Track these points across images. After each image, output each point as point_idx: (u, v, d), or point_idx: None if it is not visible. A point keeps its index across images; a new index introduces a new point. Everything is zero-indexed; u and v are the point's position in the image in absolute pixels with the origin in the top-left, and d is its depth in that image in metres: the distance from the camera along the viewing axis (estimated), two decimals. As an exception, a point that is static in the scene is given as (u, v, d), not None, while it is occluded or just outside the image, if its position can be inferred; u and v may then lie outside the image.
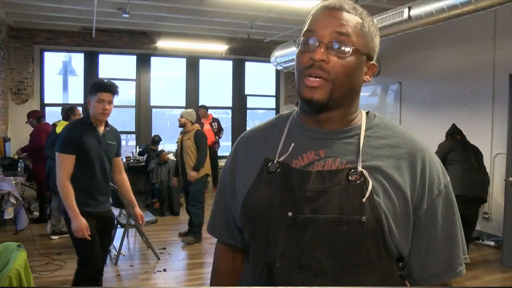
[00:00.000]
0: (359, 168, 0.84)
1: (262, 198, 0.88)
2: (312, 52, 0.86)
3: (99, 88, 2.64)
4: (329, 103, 0.86)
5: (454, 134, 4.43)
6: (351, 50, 0.85)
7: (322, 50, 0.85)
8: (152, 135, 7.22)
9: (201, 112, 7.57)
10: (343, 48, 0.85)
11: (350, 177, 0.84)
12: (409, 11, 4.30)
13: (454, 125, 4.50)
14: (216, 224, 1.06)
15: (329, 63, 0.85)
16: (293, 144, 0.91)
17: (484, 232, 4.95)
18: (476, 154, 4.27)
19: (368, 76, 0.91)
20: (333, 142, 0.89)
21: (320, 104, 0.86)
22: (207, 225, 1.09)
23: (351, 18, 0.86)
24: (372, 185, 0.83)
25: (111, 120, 2.87)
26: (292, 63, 6.93)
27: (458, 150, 4.23)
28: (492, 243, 4.81)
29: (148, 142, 7.29)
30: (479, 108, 5.10)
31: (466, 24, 4.77)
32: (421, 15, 4.19)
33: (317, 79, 0.85)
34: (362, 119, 0.92)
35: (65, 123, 4.84)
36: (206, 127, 7.62)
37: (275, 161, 0.90)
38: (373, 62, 0.91)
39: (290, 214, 0.84)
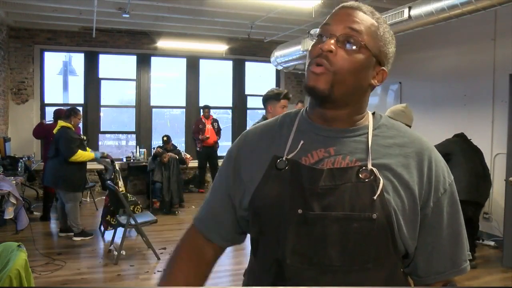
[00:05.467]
0: (369, 166, 0.85)
1: (271, 195, 0.89)
2: (323, 43, 0.87)
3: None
4: (330, 96, 0.87)
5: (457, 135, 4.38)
6: (360, 46, 0.86)
7: (332, 41, 0.86)
8: (152, 135, 7.22)
9: (206, 112, 7.63)
10: (352, 43, 0.86)
11: (360, 175, 0.85)
12: (409, 11, 4.30)
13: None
14: (205, 218, 1.03)
15: (336, 55, 0.86)
16: (302, 141, 0.92)
17: (484, 232, 4.94)
18: (480, 157, 4.27)
19: (376, 81, 0.92)
20: (343, 140, 0.90)
21: (321, 93, 0.87)
22: (195, 217, 1.05)
23: (367, 18, 0.89)
24: (382, 183, 0.84)
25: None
26: (292, 63, 6.93)
27: (463, 153, 4.16)
28: (492, 243, 4.81)
29: (148, 143, 7.29)
30: (479, 108, 5.09)
31: (466, 24, 4.76)
32: (421, 15, 4.19)
33: (320, 66, 0.87)
34: (369, 119, 0.94)
35: (63, 123, 4.85)
36: (208, 127, 7.65)
37: (284, 158, 0.91)
38: (384, 68, 0.92)
39: (300, 211, 0.85)
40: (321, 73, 0.86)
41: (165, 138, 6.74)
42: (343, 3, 0.93)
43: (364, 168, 0.85)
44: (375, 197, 0.82)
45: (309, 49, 0.92)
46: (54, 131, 4.90)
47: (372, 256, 0.84)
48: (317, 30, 0.91)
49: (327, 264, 0.83)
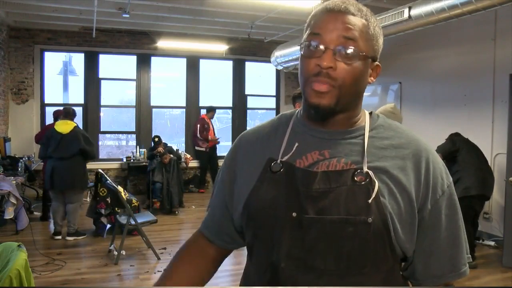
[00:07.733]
0: (365, 169, 0.83)
1: (265, 198, 0.87)
2: (318, 58, 0.83)
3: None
4: (336, 109, 0.85)
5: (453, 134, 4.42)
6: (359, 56, 0.83)
7: (329, 56, 0.82)
8: (152, 135, 7.18)
9: (212, 114, 7.71)
10: (350, 54, 0.83)
11: (355, 178, 0.83)
12: (409, 11, 4.30)
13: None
14: (208, 220, 1.05)
15: (336, 69, 0.83)
16: (296, 144, 0.90)
17: (484, 232, 4.94)
18: (481, 152, 4.33)
19: (372, 78, 0.90)
20: (338, 143, 0.88)
21: (327, 109, 0.85)
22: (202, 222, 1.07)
23: (357, 21, 0.84)
24: (378, 186, 0.82)
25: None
26: (292, 63, 6.93)
27: (467, 149, 4.24)
28: (492, 243, 4.81)
29: (148, 143, 7.27)
30: (479, 108, 5.10)
31: (466, 24, 4.77)
32: (421, 15, 4.19)
33: (324, 84, 0.84)
34: (365, 120, 0.91)
35: (71, 122, 4.85)
36: (211, 127, 7.67)
37: (278, 161, 0.89)
38: (377, 62, 0.90)
39: (294, 214, 0.83)
40: (326, 91, 0.83)
41: (156, 139, 6.68)
42: (327, 3, 0.87)
43: (359, 171, 0.83)
44: (370, 201, 0.81)
45: (301, 63, 0.87)
46: (64, 130, 4.77)
47: (369, 260, 0.82)
48: (306, 43, 0.86)
49: (322, 268, 0.82)
